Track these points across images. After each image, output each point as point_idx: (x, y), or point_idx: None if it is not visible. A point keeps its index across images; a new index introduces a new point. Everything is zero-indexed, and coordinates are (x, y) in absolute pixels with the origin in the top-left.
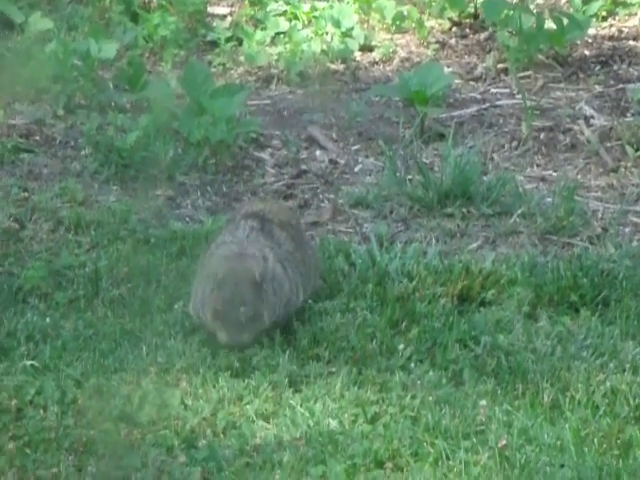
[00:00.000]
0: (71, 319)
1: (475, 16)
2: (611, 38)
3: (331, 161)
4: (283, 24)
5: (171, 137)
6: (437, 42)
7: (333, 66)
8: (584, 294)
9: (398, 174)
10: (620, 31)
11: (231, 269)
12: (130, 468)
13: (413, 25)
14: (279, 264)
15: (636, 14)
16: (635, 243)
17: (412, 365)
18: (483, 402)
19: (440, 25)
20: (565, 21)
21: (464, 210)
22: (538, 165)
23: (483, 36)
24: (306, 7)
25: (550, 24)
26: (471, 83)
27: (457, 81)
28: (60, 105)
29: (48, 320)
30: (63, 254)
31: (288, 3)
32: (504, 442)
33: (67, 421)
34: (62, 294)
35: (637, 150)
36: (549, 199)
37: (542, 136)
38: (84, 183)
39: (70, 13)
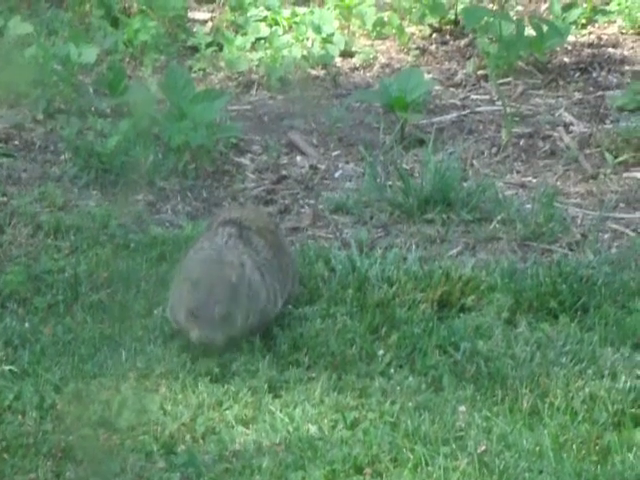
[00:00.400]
0: (50, 324)
1: (455, 23)
2: (590, 45)
3: (311, 167)
4: (264, 30)
5: (151, 142)
6: (417, 48)
7: (314, 72)
8: (563, 300)
9: (378, 180)
10: (599, 38)
11: (207, 272)
12: (109, 473)
13: (393, 31)
14: (257, 271)
15: (615, 22)
16: (614, 250)
17: (392, 371)
18: (462, 408)
19: (420, 31)
20: (545, 28)
21: (444, 216)
22: (518, 171)
23: (463, 42)
24: (287, 13)
25: (530, 31)
26: (451, 89)
27: (437, 87)
28: (40, 109)
29: (27, 325)
30: (42, 259)
31: (269, 9)
32: (483, 448)
33: (46, 426)
34: (41, 299)
35: (616, 157)
36: (529, 205)
37: (522, 143)
38: (64, 188)
39: (50, 17)
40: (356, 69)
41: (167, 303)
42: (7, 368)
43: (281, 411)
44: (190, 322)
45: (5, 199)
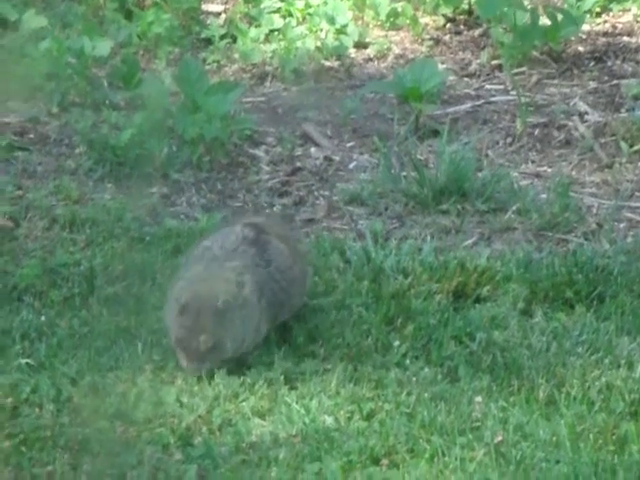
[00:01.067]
0: (66, 317)
1: (469, 12)
2: (605, 34)
3: (326, 158)
4: (277, 21)
5: (165, 135)
6: (431, 39)
7: (327, 63)
8: (579, 290)
9: (393, 171)
10: (614, 27)
11: (195, 294)
12: (126, 466)
13: (407, 22)
14: (256, 292)
15: (630, 10)
16: (630, 239)
17: (407, 362)
18: (479, 398)
19: (434, 22)
20: (559, 17)
21: (459, 207)
22: (533, 161)
23: (477, 32)
24: (300, 4)
25: (544, 20)
26: (465, 79)
27: (451, 77)
28: (54, 103)
29: (43, 318)
30: (58, 252)
31: (282, 0)
32: (500, 438)
33: (62, 419)
34: (57, 292)
35: (631, 146)
36: (544, 195)
37: (537, 132)
38: (79, 181)
39: (64, 11)
40: (370, 60)
41: (165, 301)
42: (24, 361)
43: (297, 403)
44: (178, 349)
45: (20, 192)
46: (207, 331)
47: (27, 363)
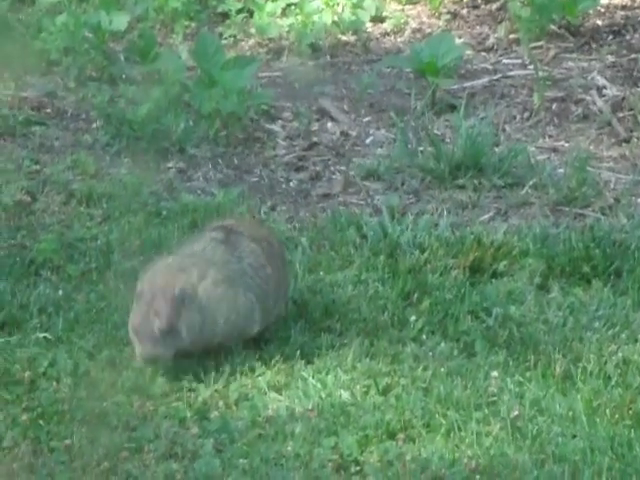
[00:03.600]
0: (83, 292)
1: None
2: (624, 7)
3: (342, 133)
4: None
5: (182, 109)
6: (448, 13)
7: (344, 37)
8: (596, 265)
9: (409, 146)
10: (633, 0)
11: (151, 283)
12: (143, 440)
13: None
14: (224, 284)
15: None
16: None
17: (424, 337)
18: (495, 373)
19: None
20: None
21: (475, 182)
22: (550, 136)
23: (495, 6)
24: None
25: None
26: (483, 54)
27: (468, 52)
28: (71, 78)
29: (60, 293)
30: (75, 227)
31: None
32: (516, 413)
33: (80, 393)
34: (74, 267)
35: None
36: (561, 170)
37: (554, 107)
38: (95, 156)
39: None
40: (387, 34)
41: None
42: (41, 335)
43: (313, 377)
44: (134, 338)
45: (38, 167)
46: (161, 315)
47: (45, 337)
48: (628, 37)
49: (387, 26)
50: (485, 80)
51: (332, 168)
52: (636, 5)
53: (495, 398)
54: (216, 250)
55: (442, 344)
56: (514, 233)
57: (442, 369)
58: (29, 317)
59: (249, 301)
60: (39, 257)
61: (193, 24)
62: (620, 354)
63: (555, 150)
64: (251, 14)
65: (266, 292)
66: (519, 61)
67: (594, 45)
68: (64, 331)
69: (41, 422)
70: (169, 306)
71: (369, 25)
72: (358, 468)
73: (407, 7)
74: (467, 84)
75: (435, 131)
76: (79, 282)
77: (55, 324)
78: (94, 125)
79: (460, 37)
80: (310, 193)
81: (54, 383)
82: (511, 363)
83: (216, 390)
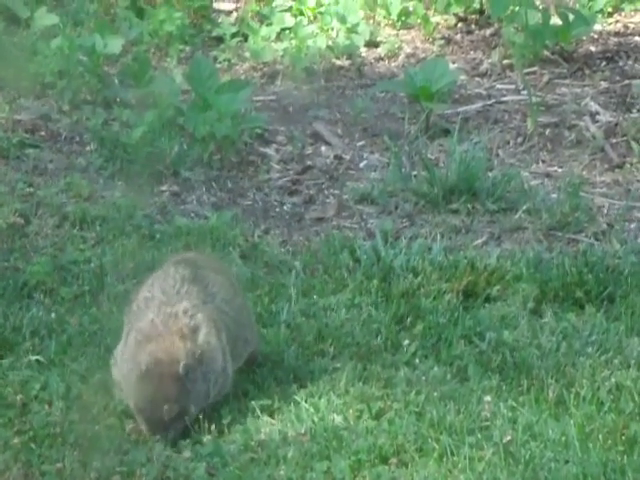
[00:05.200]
0: (76, 314)
1: (481, 12)
2: (617, 34)
3: (336, 157)
4: (288, 20)
5: (176, 133)
6: (442, 38)
7: (338, 62)
8: (589, 290)
9: (403, 170)
10: (626, 27)
11: (155, 360)
12: (135, 463)
13: (418, 21)
14: (213, 331)
15: None
16: None
17: (417, 361)
18: (488, 398)
19: (446, 21)
20: (571, 17)
21: (469, 206)
22: (543, 161)
23: (489, 32)
24: (311, 3)
25: (556, 20)
26: (476, 79)
27: (462, 77)
28: (65, 100)
29: (53, 315)
30: (68, 249)
31: None
32: (509, 438)
33: (72, 416)
34: (67, 289)
35: None
36: (554, 195)
37: (547, 132)
38: (89, 178)
39: (76, 8)
40: (381, 59)
41: (115, 355)
42: (34, 358)
43: (306, 401)
44: (140, 418)
45: (31, 190)
46: (170, 400)
47: (37, 360)
48: (621, 63)
49: (381, 51)
50: (479, 105)
51: (326, 192)
52: (629, 32)
53: (488, 423)
54: (190, 291)
55: (435, 368)
56: (507, 258)
57: (435, 393)
58: (21, 340)
59: (227, 343)
60: (32, 280)
61: (187, 48)
62: (613, 380)
63: (548, 175)
64: (245, 38)
65: (239, 323)
66: (513, 86)
67: (587, 71)
68: (56, 354)
69: (33, 445)
70: (177, 389)
71: (363, 50)
72: None
73: (401, 32)
74: (461, 109)
75: (429, 155)
76: (72, 305)
77: (48, 347)
78: (88, 148)
79: (454, 62)
80: (304, 217)
81: (46, 406)
82: (504, 388)
83: (208, 413)
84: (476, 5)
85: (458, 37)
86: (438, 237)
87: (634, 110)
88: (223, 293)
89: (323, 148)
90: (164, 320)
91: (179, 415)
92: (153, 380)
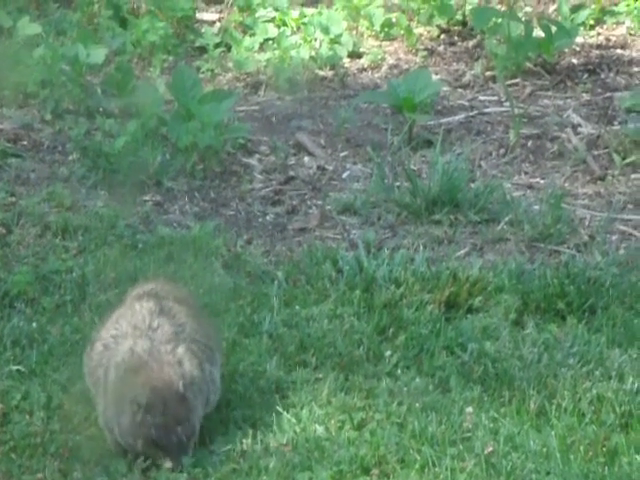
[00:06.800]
0: (58, 324)
1: (464, 24)
2: (599, 46)
3: (319, 167)
4: (272, 30)
5: (159, 142)
6: (425, 49)
7: (321, 72)
8: (571, 302)
9: (386, 181)
10: (608, 39)
11: (152, 389)
12: (116, 473)
13: (402, 32)
14: (194, 358)
15: (624, 23)
16: (622, 251)
17: (399, 372)
18: (469, 409)
19: (429, 32)
20: (553, 29)
21: (452, 217)
22: (526, 173)
23: (471, 43)
24: (295, 13)
25: (538, 32)
26: (459, 90)
27: (445, 88)
28: (48, 110)
29: (34, 325)
30: (50, 259)
31: (277, 9)
32: (490, 449)
33: (53, 426)
34: (49, 299)
35: (624, 158)
36: (536, 207)
37: (530, 144)
38: (71, 188)
39: (59, 18)
40: (364, 70)
41: (100, 410)
42: (15, 368)
43: (288, 411)
44: (155, 451)
45: (13, 199)
46: (181, 421)
47: (18, 370)
48: (603, 76)
49: (364, 62)
50: (461, 116)
51: (308, 202)
52: (611, 45)
53: (470, 434)
54: (162, 323)
55: (417, 379)
56: (489, 269)
57: (417, 404)
58: (2, 349)
59: (209, 368)
60: (13, 289)
61: (171, 58)
62: (594, 391)
63: (530, 187)
64: (229, 48)
65: (210, 348)
66: (495, 98)
67: (569, 83)
68: (38, 364)
69: (13, 455)
70: (184, 408)
71: (346, 60)
72: None
73: (384, 43)
74: (444, 120)
75: (411, 166)
76: (53, 315)
77: (29, 357)
78: (70, 157)
79: (437, 73)
80: (286, 227)
81: (27, 416)
82: (486, 399)
83: None
84: (459, 17)
85: (441, 48)
86: (420, 248)
87: (616, 122)
88: (190, 322)
89: (306, 159)
90: (146, 350)
91: (193, 432)
92: (158, 408)
